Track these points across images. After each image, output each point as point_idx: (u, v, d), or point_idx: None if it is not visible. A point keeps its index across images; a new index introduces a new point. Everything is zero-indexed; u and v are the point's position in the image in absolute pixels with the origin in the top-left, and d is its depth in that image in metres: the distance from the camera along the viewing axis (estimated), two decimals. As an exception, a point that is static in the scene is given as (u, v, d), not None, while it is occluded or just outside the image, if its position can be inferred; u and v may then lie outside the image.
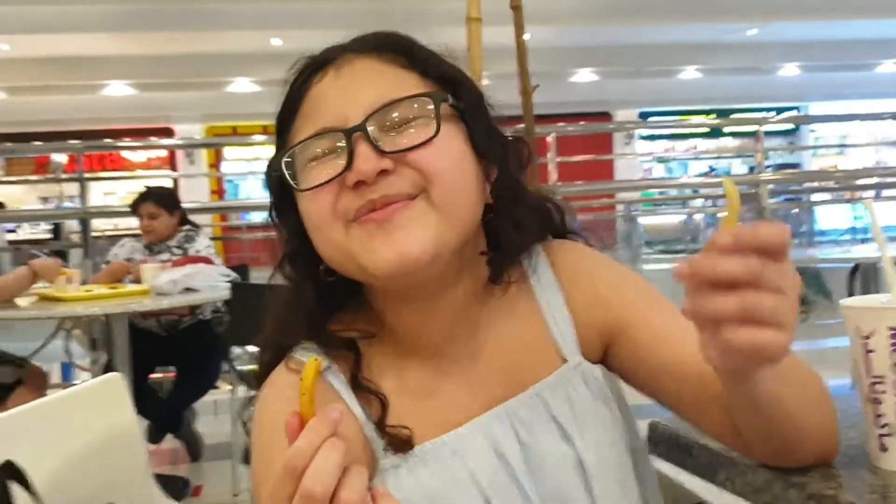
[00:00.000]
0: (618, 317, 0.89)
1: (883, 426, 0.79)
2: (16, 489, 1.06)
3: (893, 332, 0.76)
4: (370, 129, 0.78)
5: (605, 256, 0.95)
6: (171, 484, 3.48)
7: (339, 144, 0.79)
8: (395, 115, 0.80)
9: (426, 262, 0.78)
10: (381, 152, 0.77)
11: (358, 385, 0.84)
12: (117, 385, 1.34)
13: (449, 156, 0.80)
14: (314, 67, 0.85)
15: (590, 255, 0.94)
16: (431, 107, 0.80)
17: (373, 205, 0.77)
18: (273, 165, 0.84)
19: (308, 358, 0.65)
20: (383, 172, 0.77)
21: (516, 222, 0.87)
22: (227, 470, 3.69)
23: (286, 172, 0.81)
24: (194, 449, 4.04)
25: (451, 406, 0.85)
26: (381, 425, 0.82)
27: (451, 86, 0.84)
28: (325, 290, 0.85)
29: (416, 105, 0.80)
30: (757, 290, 0.59)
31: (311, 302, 0.86)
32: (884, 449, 0.79)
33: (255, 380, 0.89)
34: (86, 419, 1.29)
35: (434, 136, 0.79)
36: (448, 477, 0.81)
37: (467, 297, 0.87)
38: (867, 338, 0.78)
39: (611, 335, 0.89)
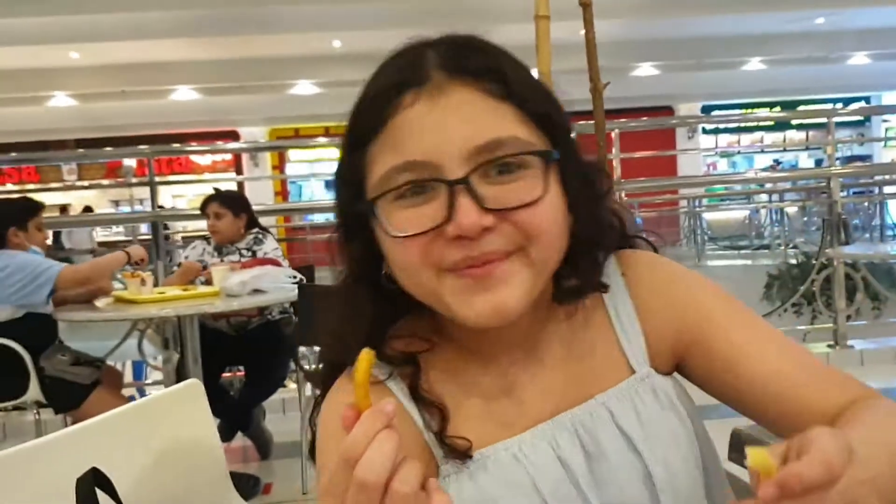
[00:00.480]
0: (693, 328, 0.86)
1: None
2: (101, 495, 1.09)
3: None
4: (472, 179, 0.74)
5: (681, 266, 0.92)
6: (242, 482, 3.55)
7: (431, 185, 0.75)
8: (499, 164, 0.75)
9: (519, 313, 0.77)
10: (484, 209, 0.73)
11: (418, 397, 0.83)
12: (196, 391, 1.37)
13: (551, 215, 0.77)
14: (400, 87, 0.77)
15: (664, 265, 0.91)
16: (538, 163, 0.77)
17: (471, 260, 0.75)
18: (345, 182, 0.81)
19: (361, 356, 0.64)
20: (485, 229, 0.74)
21: (592, 253, 0.86)
22: (296, 468, 3.74)
23: (376, 213, 0.77)
24: (264, 447, 4.10)
25: (514, 412, 0.84)
26: (440, 436, 0.82)
27: (550, 126, 0.80)
28: (386, 299, 0.84)
29: (522, 157, 0.76)
30: None
31: (370, 321, 0.84)
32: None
33: (320, 385, 0.88)
34: (166, 425, 1.32)
35: (541, 197, 0.76)
36: (509, 483, 0.80)
37: (534, 311, 0.84)
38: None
39: (685, 346, 0.87)
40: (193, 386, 1.38)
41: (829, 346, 5.22)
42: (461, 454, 0.81)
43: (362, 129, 0.79)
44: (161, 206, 6.13)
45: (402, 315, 0.88)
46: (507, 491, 0.80)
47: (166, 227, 9.13)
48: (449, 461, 0.82)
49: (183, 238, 7.44)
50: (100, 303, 3.60)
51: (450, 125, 0.75)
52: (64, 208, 12.82)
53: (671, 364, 0.89)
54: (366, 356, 0.63)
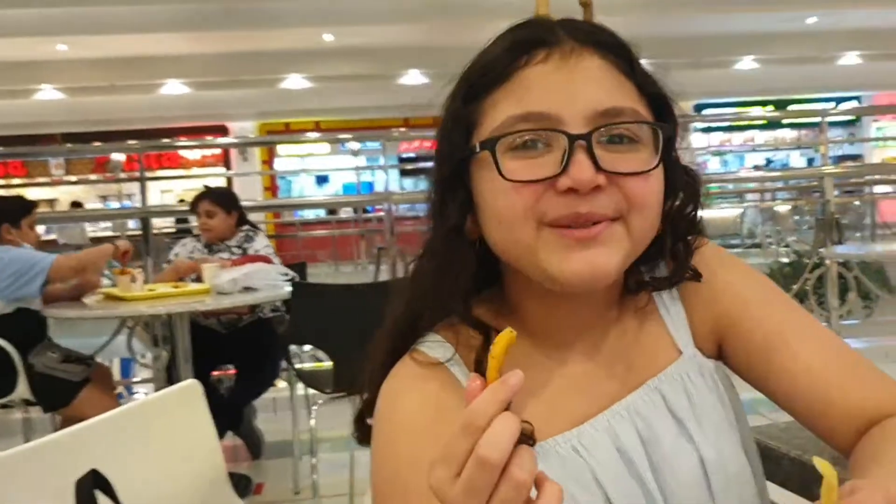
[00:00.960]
0: (730, 314, 0.88)
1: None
2: (101, 497, 1.07)
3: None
4: (592, 138, 0.75)
5: (725, 253, 0.94)
6: (233, 482, 3.52)
7: (549, 138, 0.76)
8: (616, 131, 0.77)
9: (611, 279, 0.79)
10: (599, 168, 0.74)
11: (481, 373, 0.82)
12: (194, 392, 1.35)
13: (656, 189, 0.79)
14: (534, 43, 0.79)
15: (707, 251, 0.92)
16: (656, 137, 0.79)
17: (577, 217, 0.75)
18: (455, 129, 0.81)
19: (503, 333, 0.63)
20: (596, 188, 0.75)
21: (685, 240, 0.87)
22: (287, 467, 3.72)
23: (494, 153, 0.76)
24: (255, 446, 4.08)
25: (574, 401, 0.85)
26: None
27: (663, 112, 0.82)
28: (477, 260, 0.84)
29: (641, 129, 0.78)
30: None
31: (467, 275, 0.83)
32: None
33: (378, 367, 0.87)
34: (165, 426, 1.31)
35: (652, 169, 0.78)
36: (569, 474, 0.80)
37: (607, 298, 0.87)
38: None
39: (723, 332, 0.89)
40: (192, 386, 1.36)
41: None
42: (524, 438, 0.80)
43: (486, 79, 0.80)
44: (187, 200, 6.01)
45: (480, 287, 0.88)
46: (567, 482, 0.79)
47: (186, 221, 9.05)
48: None
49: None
50: (89, 299, 3.57)
51: (577, 85, 0.77)
52: (77, 204, 12.67)
53: (714, 349, 0.90)
54: (507, 334, 0.62)
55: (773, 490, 1.03)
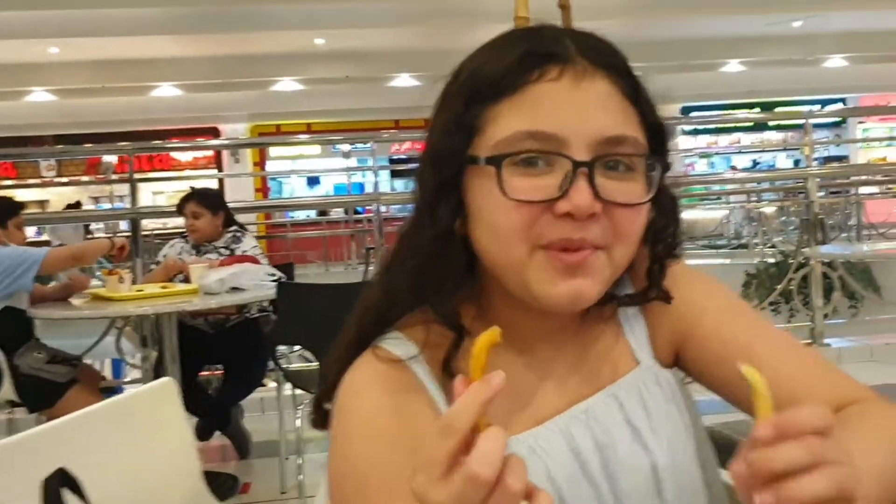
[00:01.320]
0: (687, 322, 0.90)
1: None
2: (69, 497, 1.08)
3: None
4: (596, 165, 0.76)
5: (691, 268, 0.95)
6: (220, 481, 3.55)
7: (551, 159, 0.76)
8: (618, 157, 0.78)
9: (589, 304, 0.80)
10: (597, 196, 0.75)
11: (448, 372, 0.82)
12: (170, 389, 1.37)
13: (642, 221, 0.81)
14: (548, 58, 0.78)
15: (676, 268, 0.93)
16: (645, 169, 0.79)
17: (569, 242, 0.76)
18: (456, 131, 0.80)
19: (487, 331, 0.62)
20: (591, 215, 0.75)
21: (663, 264, 0.89)
22: (275, 467, 3.73)
23: (499, 171, 0.76)
24: (243, 446, 4.09)
25: (534, 404, 0.86)
26: None
27: (658, 139, 0.83)
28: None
29: (639, 159, 0.79)
30: (824, 468, 0.55)
31: (456, 276, 0.83)
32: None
33: (342, 356, 0.86)
34: (140, 423, 1.32)
35: (645, 202, 0.79)
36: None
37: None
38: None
39: (681, 339, 0.91)
40: (167, 384, 1.37)
41: (807, 344, 5.28)
42: None
43: (495, 86, 0.79)
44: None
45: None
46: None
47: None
48: None
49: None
50: (77, 300, 3.58)
51: (589, 109, 0.77)
52: (76, 205, 12.55)
53: (672, 358, 0.92)
54: (492, 331, 0.62)
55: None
